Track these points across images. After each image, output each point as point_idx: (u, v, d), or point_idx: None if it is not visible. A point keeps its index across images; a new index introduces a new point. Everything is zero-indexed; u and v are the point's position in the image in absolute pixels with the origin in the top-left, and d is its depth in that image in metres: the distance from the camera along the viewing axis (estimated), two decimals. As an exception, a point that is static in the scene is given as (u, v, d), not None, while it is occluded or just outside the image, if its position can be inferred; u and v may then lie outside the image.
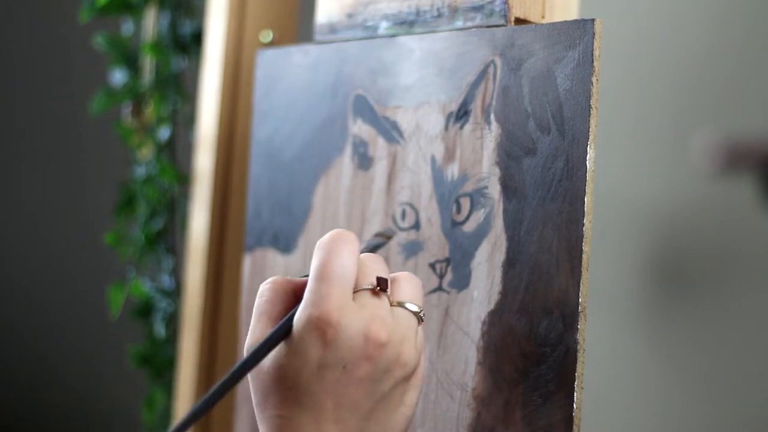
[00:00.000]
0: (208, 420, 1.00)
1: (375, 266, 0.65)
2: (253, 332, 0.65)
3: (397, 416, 0.64)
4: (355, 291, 0.63)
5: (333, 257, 0.63)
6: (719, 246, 1.38)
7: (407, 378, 0.64)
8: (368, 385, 0.62)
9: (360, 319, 0.62)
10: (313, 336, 0.61)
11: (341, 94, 0.81)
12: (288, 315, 0.64)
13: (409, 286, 0.66)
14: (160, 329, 1.14)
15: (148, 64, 1.16)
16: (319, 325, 0.61)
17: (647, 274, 1.43)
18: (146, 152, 1.16)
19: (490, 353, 0.71)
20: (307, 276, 0.64)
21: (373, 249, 0.73)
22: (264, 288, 0.66)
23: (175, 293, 1.14)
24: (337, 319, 0.61)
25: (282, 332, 0.63)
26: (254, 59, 0.90)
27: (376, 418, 0.63)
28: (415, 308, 0.65)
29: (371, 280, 0.64)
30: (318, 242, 0.64)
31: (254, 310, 0.66)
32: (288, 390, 0.62)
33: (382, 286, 0.64)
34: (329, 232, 0.65)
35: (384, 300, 0.64)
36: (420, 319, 0.65)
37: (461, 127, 0.74)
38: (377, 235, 0.75)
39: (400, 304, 0.64)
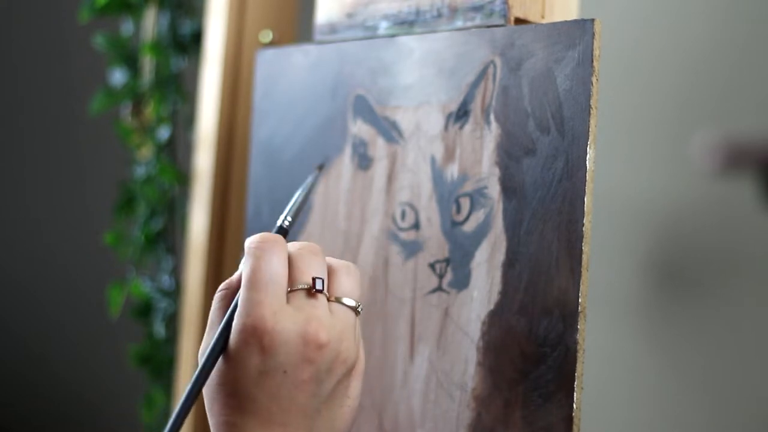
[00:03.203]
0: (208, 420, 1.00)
1: (311, 262, 0.64)
2: (203, 342, 0.65)
3: (343, 409, 0.64)
4: (290, 291, 0.63)
5: (261, 263, 0.62)
6: (719, 246, 1.38)
7: (349, 372, 0.64)
8: (312, 387, 0.62)
9: (296, 322, 0.61)
10: (249, 345, 0.61)
11: (341, 94, 0.81)
12: (223, 323, 0.63)
13: (346, 280, 0.65)
14: (160, 329, 1.14)
15: (147, 64, 1.16)
16: (255, 334, 0.61)
17: (647, 274, 1.43)
18: (146, 152, 1.16)
19: (490, 353, 0.71)
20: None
21: (303, 199, 0.73)
22: (215, 296, 0.66)
23: (175, 293, 1.14)
24: (272, 326, 0.61)
25: (221, 342, 0.63)
26: (254, 59, 0.90)
27: (322, 415, 0.63)
28: (353, 303, 0.64)
29: (306, 279, 0.63)
30: (245, 246, 0.64)
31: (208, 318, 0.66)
32: (229, 397, 0.62)
33: (316, 286, 0.63)
34: (255, 235, 0.64)
35: (320, 299, 0.63)
36: (357, 313, 0.65)
37: (461, 127, 0.74)
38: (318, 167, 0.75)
39: (338, 300, 0.64)
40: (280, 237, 0.64)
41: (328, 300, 0.64)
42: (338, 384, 0.63)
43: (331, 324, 0.62)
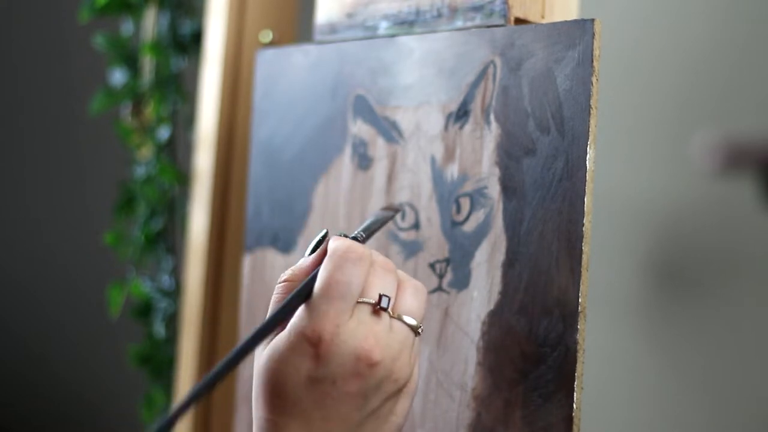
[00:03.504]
0: (208, 420, 1.00)
1: (384, 277, 0.64)
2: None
3: (387, 425, 0.64)
4: (357, 303, 0.63)
5: (339, 275, 0.62)
6: (719, 246, 1.38)
7: (399, 390, 0.64)
8: (358, 401, 0.62)
9: (354, 337, 0.62)
10: (304, 350, 0.62)
11: (341, 94, 0.81)
12: (286, 301, 0.64)
13: (412, 299, 0.65)
14: (160, 329, 1.14)
15: (147, 64, 1.16)
16: (312, 340, 0.61)
17: (647, 274, 1.43)
18: (146, 152, 1.16)
19: (490, 353, 0.71)
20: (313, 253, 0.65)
21: (377, 227, 0.72)
22: (277, 285, 0.66)
23: (175, 293, 1.14)
24: (330, 337, 0.61)
25: (274, 322, 0.63)
26: (254, 59, 0.90)
27: (365, 429, 0.63)
28: (414, 322, 0.64)
29: (374, 294, 0.63)
30: (331, 250, 0.64)
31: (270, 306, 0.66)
32: (275, 396, 0.62)
33: (382, 304, 0.63)
34: (341, 241, 0.64)
35: (383, 317, 0.63)
36: (417, 333, 0.65)
37: (461, 127, 0.74)
38: (383, 209, 0.74)
39: (400, 317, 0.64)
40: (366, 251, 0.63)
41: (391, 317, 0.64)
42: (386, 401, 0.63)
43: (387, 343, 0.63)
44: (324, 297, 0.62)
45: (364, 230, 0.69)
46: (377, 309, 0.63)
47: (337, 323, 0.62)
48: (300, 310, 0.63)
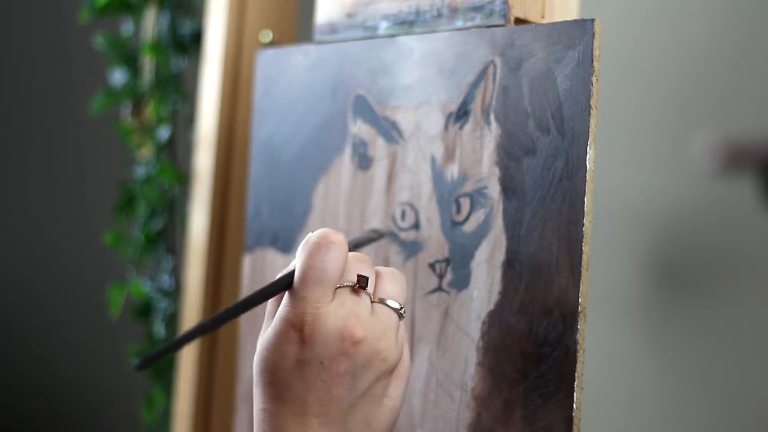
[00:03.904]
0: (209, 419, 1.00)
1: (359, 264, 0.66)
2: (262, 332, 0.67)
3: (381, 408, 0.65)
4: (337, 287, 0.65)
5: (313, 261, 0.65)
6: (719, 246, 1.38)
7: (389, 372, 0.65)
8: (348, 380, 0.64)
9: (337, 317, 0.64)
10: (289, 335, 0.64)
11: (341, 94, 0.81)
12: (271, 283, 0.66)
13: (391, 283, 0.67)
14: (160, 329, 1.14)
15: (147, 64, 1.16)
16: (296, 325, 0.64)
17: (647, 274, 1.43)
18: (146, 152, 1.16)
19: (490, 353, 0.71)
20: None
21: (362, 244, 0.74)
22: None
23: (175, 293, 1.14)
24: (312, 319, 0.64)
25: (255, 300, 0.66)
26: (254, 59, 0.90)
27: (358, 410, 0.64)
28: (396, 305, 0.66)
29: (352, 277, 0.65)
30: (305, 239, 0.66)
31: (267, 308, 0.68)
32: (268, 385, 0.64)
33: (361, 283, 0.65)
34: (318, 230, 0.66)
35: (363, 297, 0.65)
36: (400, 316, 0.67)
37: (461, 127, 0.74)
38: (371, 230, 0.76)
39: (382, 301, 0.66)
40: (340, 235, 0.66)
41: (372, 301, 0.66)
42: (376, 381, 0.65)
43: (371, 323, 0.65)
44: (302, 283, 0.64)
45: (349, 242, 0.71)
46: (357, 289, 0.65)
47: (317, 306, 0.64)
48: (284, 300, 0.65)
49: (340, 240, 0.65)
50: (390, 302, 0.66)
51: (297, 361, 0.64)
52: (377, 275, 0.67)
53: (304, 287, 0.64)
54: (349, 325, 0.64)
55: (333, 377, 0.63)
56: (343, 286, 0.65)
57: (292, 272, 0.66)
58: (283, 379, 0.64)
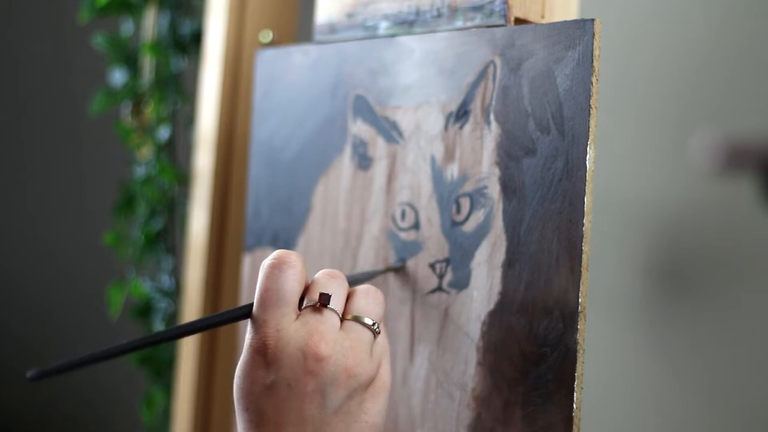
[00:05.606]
0: (209, 419, 1.00)
1: (328, 281, 0.66)
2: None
3: (359, 425, 0.65)
4: (301, 309, 0.65)
5: (270, 284, 0.65)
6: (719, 246, 1.38)
7: (362, 388, 0.65)
8: (317, 399, 0.63)
9: (298, 337, 0.64)
10: (256, 360, 0.64)
11: (341, 94, 0.81)
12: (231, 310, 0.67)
13: (365, 299, 0.67)
14: (160, 329, 1.14)
15: (147, 64, 1.16)
16: (260, 350, 0.64)
17: (647, 274, 1.43)
18: (146, 152, 1.16)
19: (490, 353, 0.71)
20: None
21: (366, 278, 0.74)
22: None
23: (175, 293, 1.14)
24: (274, 342, 0.64)
25: (217, 321, 0.67)
26: (254, 59, 0.90)
27: (335, 429, 0.64)
28: (369, 321, 0.66)
29: (314, 296, 0.65)
30: (261, 264, 0.66)
31: None
32: (244, 411, 0.64)
33: (322, 301, 0.65)
34: (274, 252, 0.66)
35: (327, 315, 0.65)
36: (374, 332, 0.66)
37: (461, 127, 0.74)
38: (388, 268, 0.76)
39: (356, 318, 0.66)
40: (294, 255, 0.66)
41: (345, 318, 0.66)
42: (349, 399, 0.64)
43: (335, 339, 0.64)
44: (261, 307, 0.65)
45: (350, 276, 0.71)
46: (319, 307, 0.65)
47: (278, 328, 0.64)
48: (248, 327, 0.65)
49: (294, 260, 0.65)
50: (363, 319, 0.66)
51: (265, 387, 0.64)
52: (352, 293, 0.67)
53: (263, 311, 0.64)
54: (311, 343, 0.63)
55: (301, 398, 0.63)
56: (306, 307, 0.65)
57: (247, 308, 0.66)
58: (256, 404, 0.64)
